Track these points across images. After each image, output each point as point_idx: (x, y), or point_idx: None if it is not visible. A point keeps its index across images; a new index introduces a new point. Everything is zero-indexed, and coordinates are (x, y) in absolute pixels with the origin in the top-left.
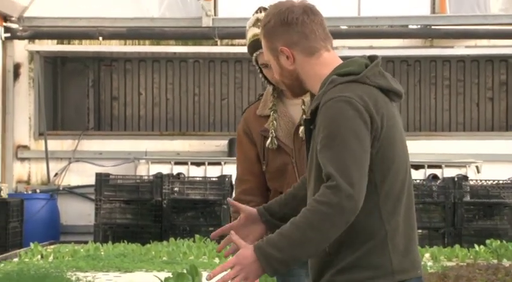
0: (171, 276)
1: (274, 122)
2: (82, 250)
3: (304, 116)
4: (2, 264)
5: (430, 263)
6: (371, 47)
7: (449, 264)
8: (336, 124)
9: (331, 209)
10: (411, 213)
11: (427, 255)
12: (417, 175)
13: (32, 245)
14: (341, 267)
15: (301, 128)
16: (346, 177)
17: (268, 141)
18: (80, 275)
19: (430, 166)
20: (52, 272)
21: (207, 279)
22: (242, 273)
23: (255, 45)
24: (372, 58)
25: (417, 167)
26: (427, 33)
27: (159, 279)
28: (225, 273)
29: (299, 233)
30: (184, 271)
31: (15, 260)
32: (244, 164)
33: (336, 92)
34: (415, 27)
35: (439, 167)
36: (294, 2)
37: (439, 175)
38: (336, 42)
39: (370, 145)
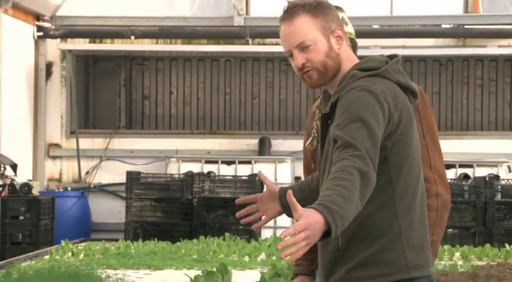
0: (201, 274)
1: (318, 121)
2: (112, 248)
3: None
4: (33, 262)
5: (460, 262)
6: (403, 47)
7: (480, 263)
8: (356, 106)
9: (364, 178)
10: (424, 211)
11: (457, 254)
12: (448, 174)
13: (62, 242)
14: (356, 263)
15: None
16: (364, 145)
17: (309, 141)
18: (110, 272)
19: (462, 165)
20: (82, 269)
21: (281, 237)
22: (311, 237)
23: None
24: (391, 57)
25: (448, 166)
26: (460, 33)
27: (189, 277)
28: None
29: (349, 192)
30: (214, 269)
31: (46, 257)
32: (303, 160)
33: (359, 83)
34: (447, 26)
35: (471, 166)
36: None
37: (471, 174)
38: (368, 42)
39: (387, 138)
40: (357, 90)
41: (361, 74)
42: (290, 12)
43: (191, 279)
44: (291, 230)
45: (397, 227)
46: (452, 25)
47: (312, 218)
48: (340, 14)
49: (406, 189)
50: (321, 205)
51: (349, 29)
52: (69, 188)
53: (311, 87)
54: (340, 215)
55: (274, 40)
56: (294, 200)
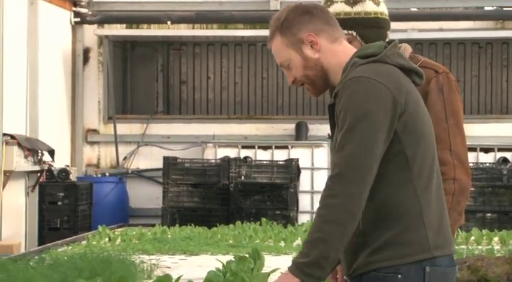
0: (234, 259)
1: None
2: (149, 233)
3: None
4: (70, 247)
5: (497, 247)
6: (441, 29)
7: None
8: (349, 106)
9: (339, 199)
10: (441, 190)
11: (495, 239)
12: (487, 158)
13: (100, 228)
14: (377, 246)
15: None
16: (352, 163)
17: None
18: (145, 257)
19: (500, 149)
20: (116, 254)
21: None
22: None
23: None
24: (389, 42)
25: (487, 150)
26: (499, 15)
27: (221, 262)
28: None
29: (319, 232)
30: (247, 255)
31: (84, 242)
32: None
33: (357, 73)
34: (487, 9)
35: (510, 150)
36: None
37: (510, 158)
38: (406, 25)
39: (397, 120)
40: (353, 81)
41: (362, 61)
42: (270, 33)
43: (223, 264)
44: None
45: (417, 206)
46: (492, 7)
47: (281, 276)
48: None
49: (423, 168)
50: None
51: (381, 8)
52: (107, 174)
53: (315, 96)
54: (304, 254)
55: None
56: None
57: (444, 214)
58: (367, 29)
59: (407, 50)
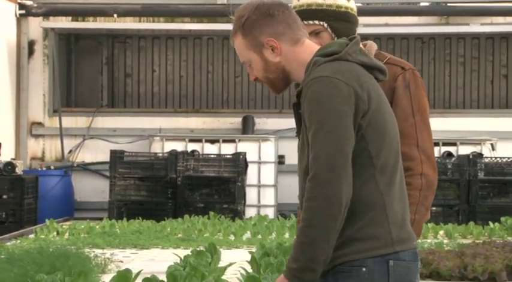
0: (190, 253)
1: None
2: (97, 227)
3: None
4: (18, 241)
5: (446, 241)
6: (386, 25)
7: (464, 241)
8: (314, 106)
9: (317, 201)
10: (404, 186)
11: (441, 232)
12: None
13: (47, 221)
14: (342, 241)
15: None
16: (325, 163)
17: None
18: (97, 251)
19: (445, 144)
20: (72, 249)
21: None
22: None
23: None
24: (351, 39)
25: None
26: (443, 11)
27: (179, 256)
28: None
29: (303, 236)
30: (202, 248)
31: (31, 236)
32: None
33: (318, 72)
34: (425, 4)
35: (454, 144)
36: None
37: (454, 153)
38: None
39: (360, 118)
40: (314, 81)
41: (323, 59)
42: (232, 30)
43: (181, 258)
44: None
45: (381, 202)
46: (432, 2)
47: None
48: None
49: (386, 164)
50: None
51: (351, 4)
52: (52, 167)
53: (276, 94)
54: (294, 259)
55: None
56: None
57: (407, 210)
58: (337, 21)
59: (372, 47)
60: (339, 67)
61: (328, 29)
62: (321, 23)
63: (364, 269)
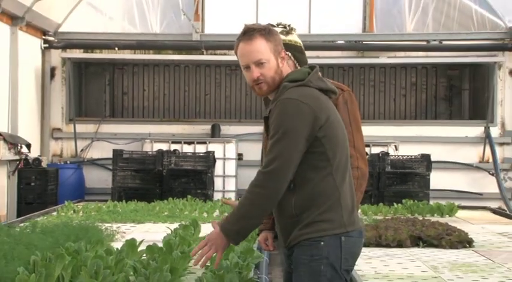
0: (178, 227)
1: None
2: (104, 207)
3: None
4: (45, 217)
5: (365, 217)
6: (318, 57)
7: (377, 217)
8: (280, 119)
9: (265, 190)
10: (352, 181)
11: (359, 211)
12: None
13: (65, 202)
14: (306, 222)
15: None
16: (280, 165)
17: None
18: (106, 225)
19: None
20: (88, 223)
21: (192, 255)
22: (213, 247)
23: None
24: (312, 67)
25: None
26: (359, 47)
27: (170, 229)
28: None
29: (243, 209)
30: (187, 223)
31: (54, 213)
32: (263, 152)
33: (287, 94)
34: (342, 42)
35: (368, 146)
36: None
37: (368, 152)
38: None
39: (319, 130)
40: (283, 101)
41: (290, 84)
42: (249, 34)
43: (171, 230)
44: (197, 249)
45: (336, 193)
46: (352, 41)
47: (210, 234)
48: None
49: (340, 164)
50: (221, 221)
51: (299, 40)
52: (68, 162)
53: (260, 95)
54: (231, 222)
55: (222, 51)
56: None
57: (354, 199)
58: (296, 52)
59: None
60: (303, 92)
61: (292, 58)
62: (288, 53)
63: (322, 243)
